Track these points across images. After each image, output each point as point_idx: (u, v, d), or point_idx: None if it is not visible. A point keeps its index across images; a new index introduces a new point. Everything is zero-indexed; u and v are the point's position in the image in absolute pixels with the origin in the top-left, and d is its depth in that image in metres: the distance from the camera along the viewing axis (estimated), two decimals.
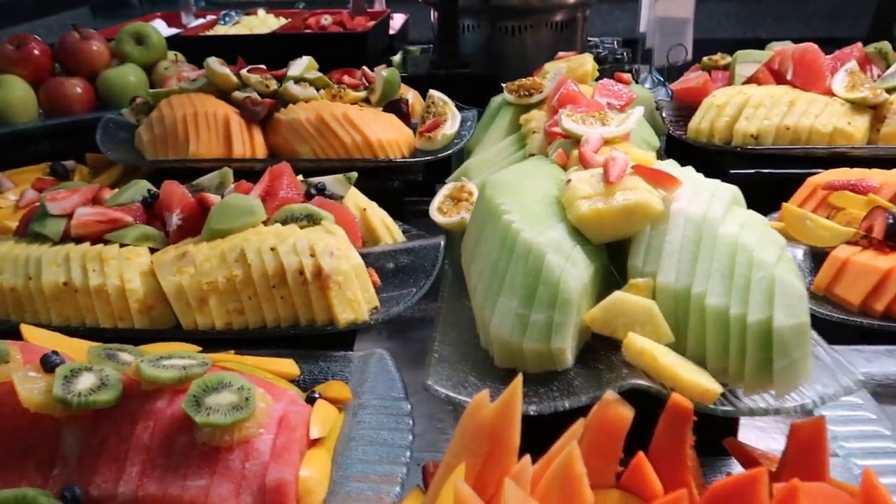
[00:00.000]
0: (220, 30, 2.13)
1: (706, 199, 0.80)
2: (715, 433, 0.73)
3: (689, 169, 0.89)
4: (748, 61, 1.27)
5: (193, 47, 1.86)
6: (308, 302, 0.88)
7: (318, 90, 1.28)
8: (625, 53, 2.27)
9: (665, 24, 1.94)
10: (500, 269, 0.77)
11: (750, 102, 1.19)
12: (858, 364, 0.81)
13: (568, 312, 0.73)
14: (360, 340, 0.99)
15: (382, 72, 1.31)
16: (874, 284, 0.87)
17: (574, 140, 0.99)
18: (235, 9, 2.29)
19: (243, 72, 1.29)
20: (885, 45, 1.24)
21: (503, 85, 1.25)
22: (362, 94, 1.30)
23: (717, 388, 0.67)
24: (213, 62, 1.28)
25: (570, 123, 0.99)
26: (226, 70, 1.28)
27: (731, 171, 1.18)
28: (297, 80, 1.27)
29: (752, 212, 0.80)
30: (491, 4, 1.86)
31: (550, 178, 0.92)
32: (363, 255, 1.00)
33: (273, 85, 1.28)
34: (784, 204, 1.03)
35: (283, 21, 2.23)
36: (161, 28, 2.20)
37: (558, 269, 0.74)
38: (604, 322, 0.76)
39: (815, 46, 1.23)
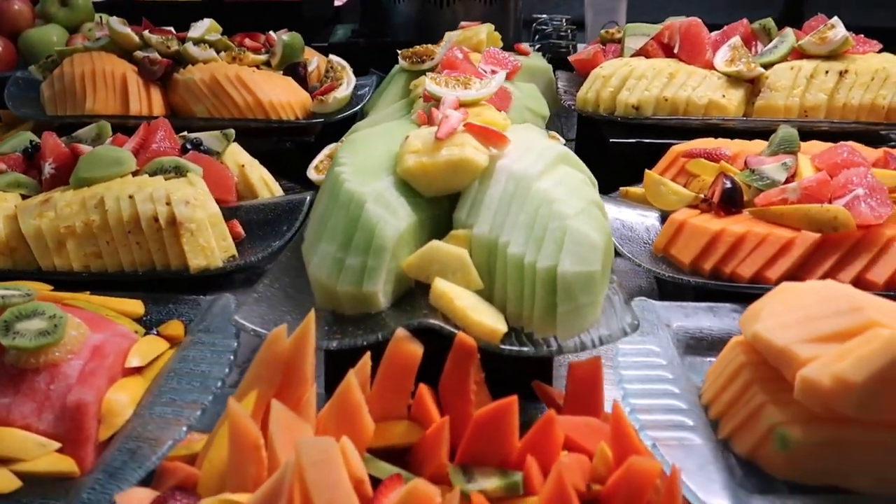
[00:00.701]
0: None
1: (532, 157, 0.84)
2: (530, 375, 0.77)
3: (536, 132, 0.93)
4: (637, 34, 1.30)
5: (131, 12, 1.89)
6: (162, 248, 0.92)
7: (218, 52, 1.31)
8: (569, 31, 2.30)
9: (597, 3, 1.97)
10: (325, 216, 0.81)
11: (633, 74, 1.23)
12: (676, 318, 0.86)
13: (381, 258, 0.77)
14: (233, 289, 1.03)
15: (283, 36, 1.34)
16: (703, 245, 0.91)
17: (436, 102, 1.03)
18: None
19: (145, 32, 1.32)
20: (769, 21, 1.28)
21: (398, 52, 1.28)
22: (263, 57, 1.33)
23: (501, 328, 0.71)
24: (115, 22, 1.30)
25: (432, 86, 1.02)
26: (127, 30, 1.30)
27: (611, 140, 1.22)
28: (197, 42, 1.30)
29: (573, 170, 0.84)
30: None
31: (402, 136, 0.96)
32: (232, 208, 1.04)
33: (174, 45, 1.31)
34: (646, 171, 1.07)
35: None
36: None
37: (375, 218, 0.77)
38: (419, 269, 0.79)
39: (699, 21, 1.27)
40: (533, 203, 0.77)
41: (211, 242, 0.92)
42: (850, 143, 1.00)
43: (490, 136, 0.86)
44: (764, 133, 1.15)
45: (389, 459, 0.65)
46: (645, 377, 0.74)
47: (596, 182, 0.87)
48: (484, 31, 1.31)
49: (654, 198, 1.03)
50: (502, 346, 0.71)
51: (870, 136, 1.17)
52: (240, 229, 0.99)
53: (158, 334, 0.82)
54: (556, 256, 0.72)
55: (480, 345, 0.71)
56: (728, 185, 0.94)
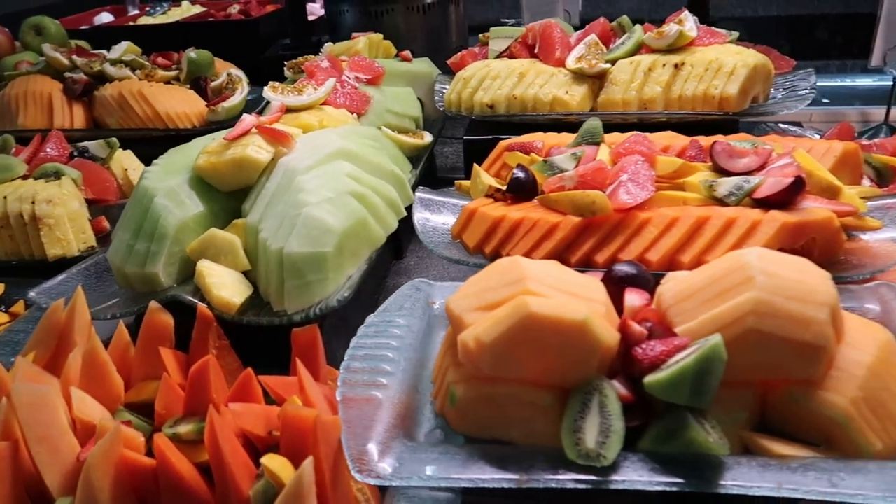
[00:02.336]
0: (146, 20, 2.36)
1: (308, 153, 0.95)
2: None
3: (339, 132, 1.04)
4: (501, 37, 1.37)
5: (105, 37, 2.11)
6: (27, 239, 1.08)
7: (134, 70, 1.48)
8: None
9: (533, 5, 2.03)
10: (126, 210, 0.95)
11: (489, 75, 1.31)
12: (442, 296, 0.94)
13: (163, 243, 0.90)
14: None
15: (191, 53, 1.49)
16: (485, 231, 0.99)
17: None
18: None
19: (74, 56, 1.51)
20: (624, 19, 1.32)
21: (285, 63, 1.40)
22: (173, 73, 1.49)
23: (236, 301, 0.83)
24: (47, 48, 1.50)
25: (267, 93, 1.14)
26: (56, 54, 1.49)
27: (465, 138, 1.30)
28: (114, 63, 1.47)
29: (346, 164, 0.94)
30: None
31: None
32: (110, 206, 1.19)
33: (97, 66, 1.49)
34: (474, 164, 1.15)
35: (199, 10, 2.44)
36: (106, 19, 2.47)
37: (161, 209, 0.90)
38: (199, 252, 0.92)
39: (553, 22, 1.33)
40: (288, 194, 0.88)
41: (68, 235, 1.07)
42: (668, 133, 1.06)
43: (277, 137, 0.98)
44: (606, 126, 1.21)
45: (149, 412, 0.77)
46: (375, 345, 0.83)
47: (397, 172, 0.97)
48: (362, 42, 1.42)
49: (472, 189, 1.12)
50: (241, 318, 0.83)
51: (714, 124, 1.20)
52: (105, 224, 1.14)
53: (6, 311, 0.98)
54: (286, 238, 0.83)
55: (224, 315, 0.83)
56: (518, 174, 1.02)
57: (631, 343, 0.70)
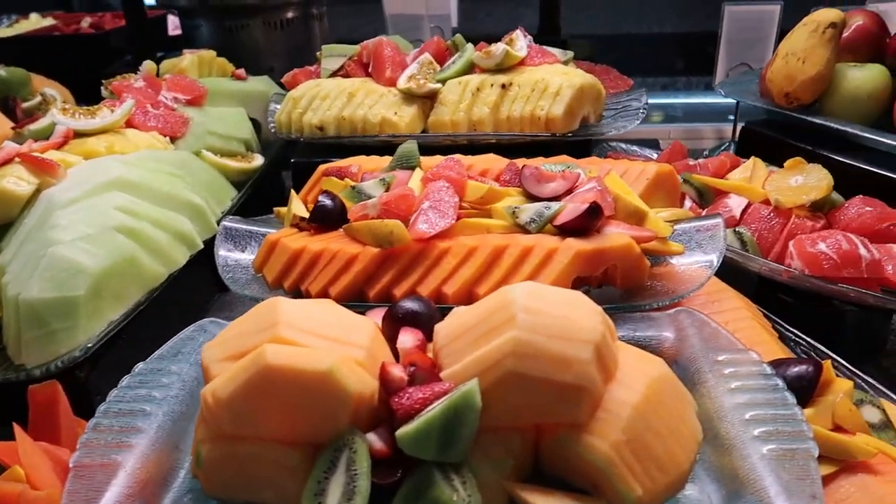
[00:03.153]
0: None
1: (78, 184, 0.86)
2: None
3: (126, 159, 0.95)
4: (335, 55, 1.32)
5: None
6: None
7: None
8: None
9: (398, 21, 1.99)
10: None
11: (319, 94, 1.25)
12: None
13: None
14: None
15: (2, 72, 1.38)
16: (284, 263, 0.93)
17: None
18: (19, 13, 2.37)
19: None
20: (458, 38, 1.29)
21: (102, 82, 1.30)
22: None
23: None
24: None
25: (56, 115, 1.04)
26: None
27: (293, 161, 1.24)
28: None
29: (122, 195, 0.86)
30: (208, 4, 1.91)
31: None
32: None
33: None
34: (291, 190, 1.08)
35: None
36: None
37: None
38: None
39: (386, 40, 1.29)
40: (41, 231, 0.79)
41: None
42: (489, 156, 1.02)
43: (42, 166, 0.88)
44: (436, 148, 1.17)
45: None
46: (134, 397, 0.74)
47: (195, 202, 0.90)
48: (188, 59, 1.34)
49: (286, 217, 1.05)
50: None
51: (544, 145, 1.17)
52: None
53: None
54: (26, 283, 0.74)
55: None
56: (324, 202, 0.96)
57: (391, 391, 0.64)
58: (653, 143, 1.77)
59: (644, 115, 1.22)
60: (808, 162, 1.16)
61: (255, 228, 1.06)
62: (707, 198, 1.10)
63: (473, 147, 1.17)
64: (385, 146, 1.20)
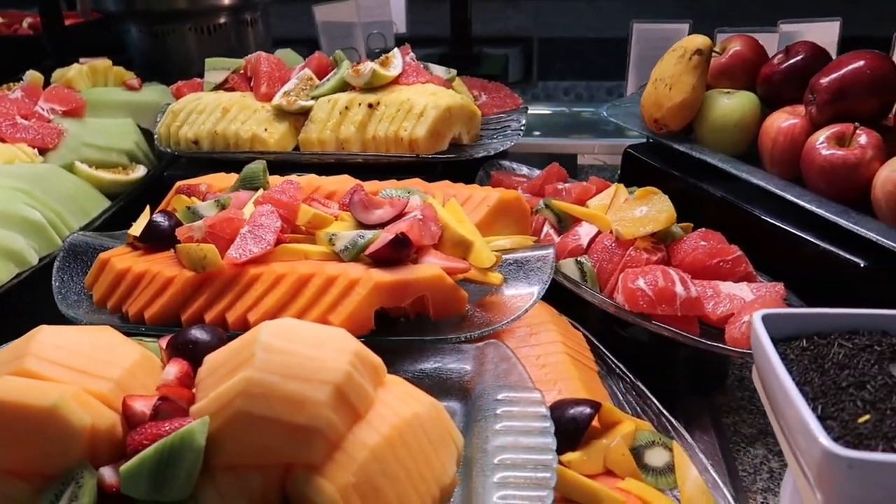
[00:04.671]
0: None
1: None
2: None
3: None
4: (218, 68, 1.32)
5: None
6: None
7: None
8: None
9: (329, 29, 1.99)
10: None
11: (197, 108, 1.25)
12: None
13: None
14: None
15: None
16: (109, 283, 0.93)
17: None
18: None
19: None
20: (338, 54, 1.29)
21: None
22: None
23: None
24: None
25: None
26: None
27: (166, 174, 1.24)
28: None
29: None
30: (136, 9, 1.91)
31: None
32: None
33: None
34: (147, 207, 1.08)
35: None
36: None
37: None
38: None
39: (265, 55, 1.29)
40: None
41: None
42: (310, 176, 1.02)
43: None
44: (307, 166, 1.17)
45: None
46: None
47: (32, 218, 0.90)
48: (74, 69, 1.35)
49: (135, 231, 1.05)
50: None
51: (411, 165, 1.17)
52: None
53: None
54: None
55: None
56: (157, 221, 0.96)
57: (132, 425, 0.65)
58: (570, 160, 1.76)
59: (519, 137, 1.21)
60: (681, 189, 1.16)
61: (108, 243, 1.07)
62: (566, 224, 1.09)
63: (340, 166, 1.16)
64: (250, 161, 1.21)
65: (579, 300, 1.00)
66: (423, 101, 1.15)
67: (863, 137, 0.93)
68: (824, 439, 0.51)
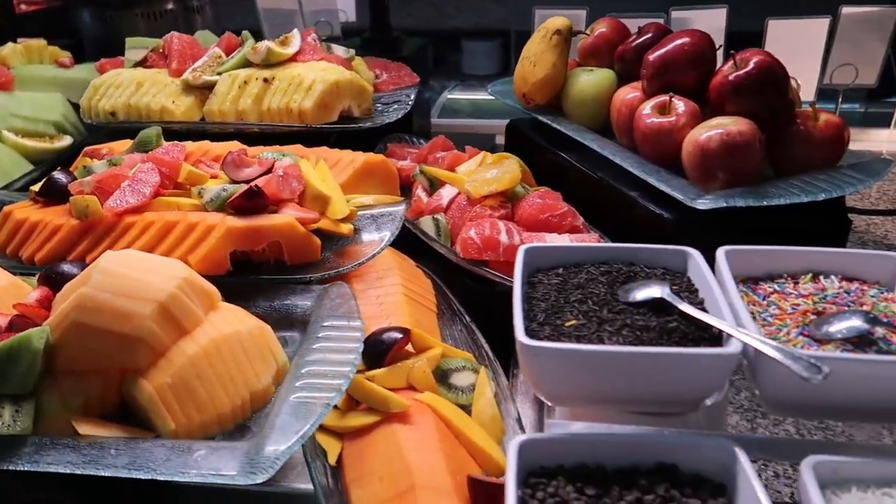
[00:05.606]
0: None
1: None
2: None
3: None
4: (138, 47, 1.44)
5: None
6: None
7: None
8: None
9: (271, 16, 2.10)
10: None
11: (115, 83, 1.37)
12: None
13: None
14: None
15: None
16: (9, 232, 1.05)
17: None
18: None
19: None
20: (246, 34, 1.40)
21: None
22: None
23: None
24: None
25: None
26: None
27: (86, 145, 1.36)
28: None
29: None
30: None
31: None
32: None
33: None
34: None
35: None
36: None
37: None
38: None
39: (177, 35, 1.40)
40: None
41: None
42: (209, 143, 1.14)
43: None
44: (210, 135, 1.29)
45: None
46: None
47: None
48: (8, 47, 1.47)
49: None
50: None
51: (305, 135, 1.28)
52: None
53: None
54: None
55: None
56: (56, 178, 1.08)
57: None
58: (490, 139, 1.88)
59: (406, 110, 1.33)
60: (548, 157, 1.27)
61: (18, 199, 1.19)
62: (436, 187, 1.20)
63: (240, 136, 1.28)
64: (165, 132, 1.32)
65: (436, 252, 1.11)
66: (313, 75, 1.26)
67: (680, 107, 1.05)
68: (519, 334, 0.63)
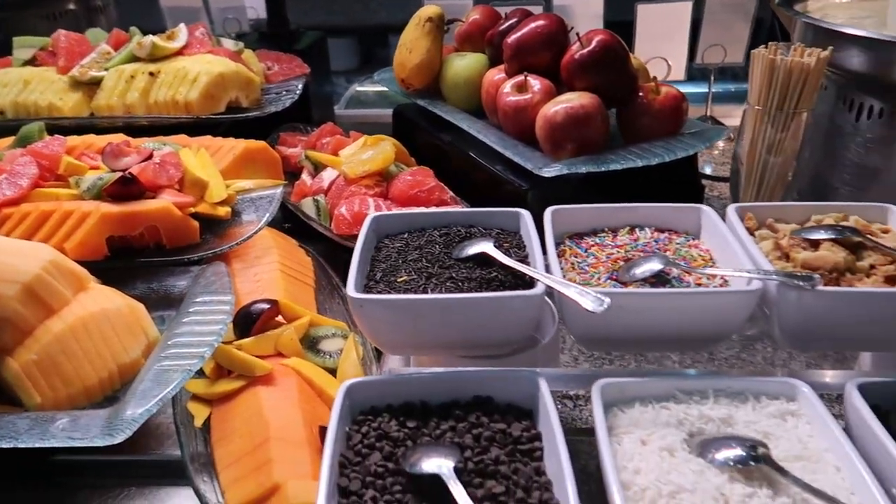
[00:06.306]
0: None
1: None
2: None
3: None
4: (25, 46, 1.45)
5: None
6: None
7: None
8: None
9: (175, 14, 2.11)
10: None
11: (2, 82, 1.38)
12: None
13: None
14: None
15: None
16: None
17: None
18: None
19: None
20: (134, 30, 1.44)
21: None
22: None
23: None
24: None
25: None
26: None
27: None
28: None
29: None
30: None
31: None
32: None
33: None
34: None
35: None
36: None
37: None
38: None
39: (64, 33, 1.42)
40: None
41: None
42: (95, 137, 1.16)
43: None
44: (99, 129, 1.31)
45: None
46: None
47: None
48: None
49: None
50: None
51: (196, 125, 1.32)
52: None
53: None
54: None
55: None
56: None
57: None
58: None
59: (292, 100, 1.38)
60: (428, 138, 1.33)
61: None
62: (320, 170, 1.26)
63: (129, 129, 1.31)
64: (54, 128, 1.34)
65: (318, 232, 1.17)
66: (198, 68, 1.30)
67: (536, 85, 1.12)
68: (349, 289, 0.69)
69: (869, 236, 0.76)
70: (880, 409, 0.63)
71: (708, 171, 1.56)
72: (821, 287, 0.66)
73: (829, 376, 0.75)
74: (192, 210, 1.05)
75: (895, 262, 0.73)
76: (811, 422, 0.63)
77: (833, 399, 0.84)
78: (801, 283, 0.66)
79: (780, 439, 0.61)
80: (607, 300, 0.64)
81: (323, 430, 0.77)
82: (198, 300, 0.93)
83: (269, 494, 0.70)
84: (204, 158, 1.12)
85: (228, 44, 1.43)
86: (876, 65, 0.98)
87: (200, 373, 0.88)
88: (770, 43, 0.99)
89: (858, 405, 0.61)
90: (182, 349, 0.83)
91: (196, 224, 1.05)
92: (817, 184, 1.13)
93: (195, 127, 1.32)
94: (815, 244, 0.76)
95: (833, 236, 0.76)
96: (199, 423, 0.82)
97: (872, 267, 0.73)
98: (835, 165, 1.08)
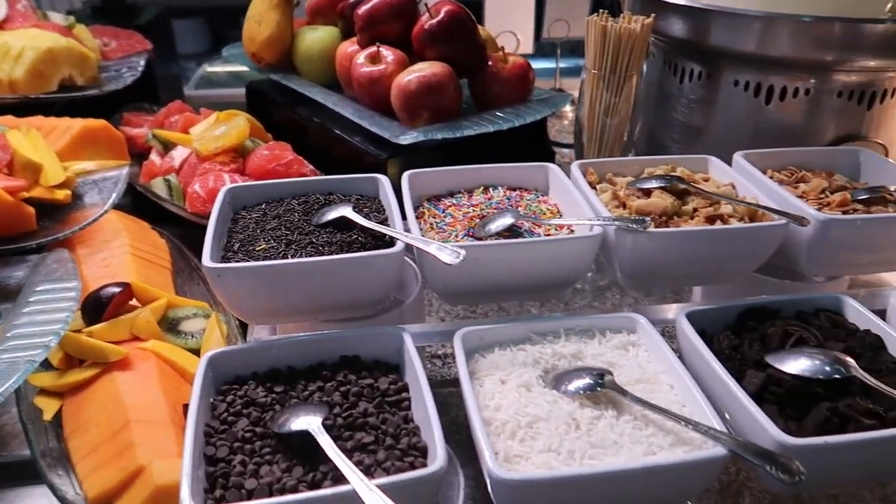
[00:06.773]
0: None
1: None
2: None
3: None
4: None
5: None
6: None
7: None
8: None
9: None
10: None
11: None
12: None
13: None
14: None
15: None
16: None
17: None
18: None
19: None
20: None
21: None
22: None
23: None
24: None
25: None
26: None
27: None
28: None
29: None
30: None
31: None
32: None
33: None
34: None
35: None
36: None
37: None
38: None
39: None
40: None
41: None
42: None
43: None
44: None
45: None
46: None
47: None
48: None
49: None
50: None
51: (24, 105, 1.22)
52: None
53: None
54: None
55: None
56: None
57: None
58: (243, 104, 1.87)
59: (133, 78, 1.30)
60: (285, 113, 1.31)
61: None
62: (170, 149, 1.20)
63: None
64: None
65: (172, 213, 1.12)
66: (22, 43, 1.19)
67: (389, 56, 1.14)
68: (204, 260, 0.67)
69: (692, 184, 0.85)
70: (706, 333, 0.71)
71: (564, 141, 1.65)
72: (651, 229, 0.73)
73: (666, 311, 0.83)
74: (26, 195, 0.97)
75: (713, 204, 0.81)
76: (649, 350, 0.70)
77: (673, 334, 0.93)
78: (634, 227, 0.72)
79: (623, 367, 0.67)
80: (463, 252, 0.67)
81: (184, 407, 0.75)
82: (38, 289, 0.86)
83: (132, 478, 0.67)
84: (36, 140, 1.04)
85: (57, 17, 1.32)
86: (694, 31, 1.07)
87: (48, 365, 0.82)
88: (601, 10, 1.06)
89: (686, 330, 0.69)
90: (23, 340, 0.77)
91: (31, 210, 0.97)
92: (652, 143, 1.22)
93: (24, 107, 1.21)
94: (648, 193, 0.83)
95: (662, 185, 0.84)
96: (48, 416, 0.77)
97: (696, 210, 0.81)
98: (665, 126, 1.17)
